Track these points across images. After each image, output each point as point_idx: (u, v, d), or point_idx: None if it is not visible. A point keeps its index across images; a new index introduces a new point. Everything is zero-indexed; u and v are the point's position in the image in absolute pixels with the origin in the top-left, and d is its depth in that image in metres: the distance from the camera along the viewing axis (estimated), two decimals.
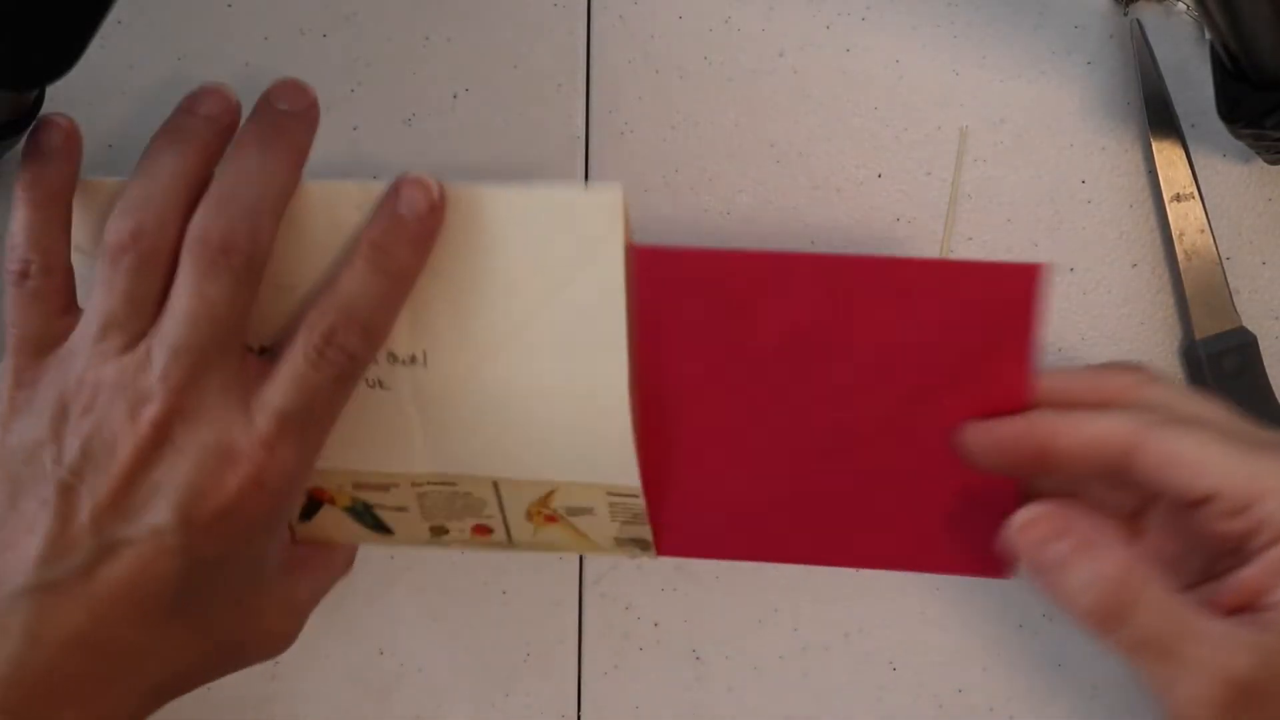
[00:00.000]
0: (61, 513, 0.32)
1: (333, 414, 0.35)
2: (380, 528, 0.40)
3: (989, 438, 0.36)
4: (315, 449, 0.35)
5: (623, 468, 0.38)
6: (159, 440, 0.32)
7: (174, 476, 0.32)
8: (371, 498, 0.40)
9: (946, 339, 0.37)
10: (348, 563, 0.41)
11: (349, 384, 0.35)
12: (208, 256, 0.33)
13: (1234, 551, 0.32)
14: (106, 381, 0.33)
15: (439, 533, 0.41)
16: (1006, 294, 0.36)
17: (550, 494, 0.39)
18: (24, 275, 0.34)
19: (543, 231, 0.35)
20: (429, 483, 0.39)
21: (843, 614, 0.45)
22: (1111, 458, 0.33)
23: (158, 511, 0.32)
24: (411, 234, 0.34)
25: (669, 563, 0.44)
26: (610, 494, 0.39)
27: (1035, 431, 0.34)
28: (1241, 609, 0.31)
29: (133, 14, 0.43)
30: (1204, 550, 0.33)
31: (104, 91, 0.43)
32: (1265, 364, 0.43)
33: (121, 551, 0.32)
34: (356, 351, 0.34)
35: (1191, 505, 0.32)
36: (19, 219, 0.35)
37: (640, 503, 0.39)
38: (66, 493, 0.32)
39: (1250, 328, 0.43)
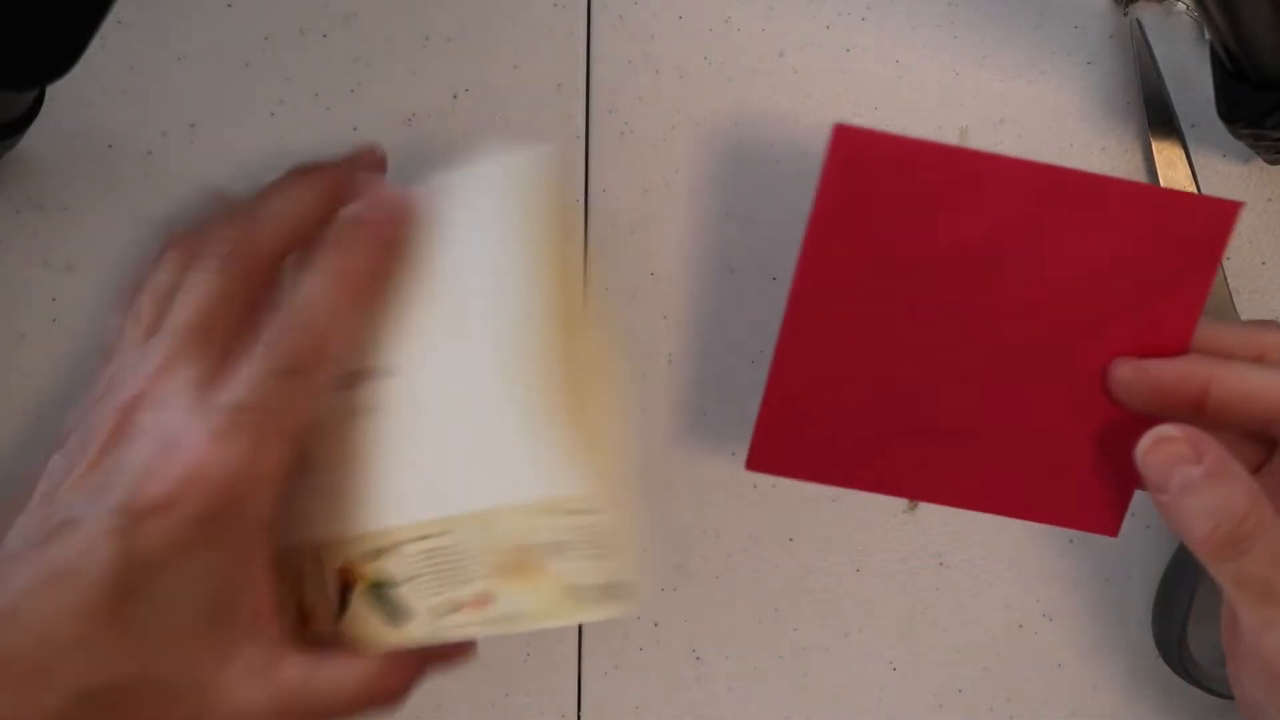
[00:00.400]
0: (45, 491, 0.33)
1: (292, 418, 0.33)
2: (399, 613, 0.34)
3: (1150, 376, 0.35)
4: (273, 456, 0.33)
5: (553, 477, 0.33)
6: (125, 425, 0.32)
7: (130, 460, 0.32)
8: (386, 568, 0.34)
9: (1132, 265, 0.36)
10: (393, 687, 0.34)
11: (305, 386, 0.34)
12: (210, 251, 0.35)
13: None
14: (120, 369, 0.34)
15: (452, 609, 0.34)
16: (1199, 228, 0.35)
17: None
18: None
19: (470, 212, 0.35)
20: (433, 534, 0.34)
21: (843, 614, 0.45)
22: (1268, 413, 0.33)
23: (110, 494, 0.32)
24: (368, 235, 0.34)
25: (669, 562, 0.44)
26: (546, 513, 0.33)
27: (1197, 376, 0.34)
28: None
29: (133, 14, 0.43)
30: None
31: (104, 91, 0.43)
32: None
33: (71, 531, 0.31)
34: (303, 349, 0.33)
35: None
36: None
37: (598, 521, 0.33)
38: (55, 472, 0.33)
39: None
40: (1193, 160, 0.43)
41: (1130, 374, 0.35)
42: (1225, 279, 0.43)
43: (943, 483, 0.39)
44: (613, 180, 0.44)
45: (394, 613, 0.34)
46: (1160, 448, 0.33)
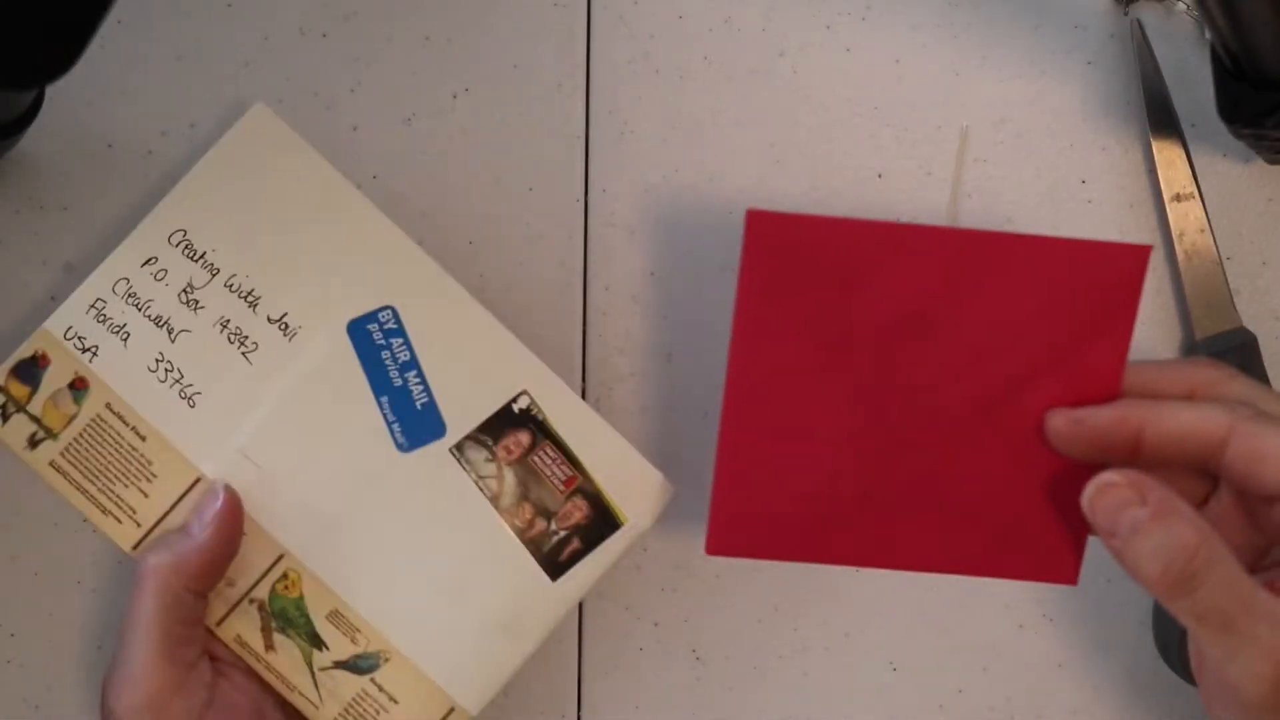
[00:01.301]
0: None
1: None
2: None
3: (1085, 426, 0.36)
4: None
5: None
6: None
7: None
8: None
9: (1054, 317, 0.36)
10: None
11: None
12: None
13: None
14: None
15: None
16: (1114, 274, 0.36)
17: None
18: None
19: None
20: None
21: (843, 614, 0.45)
22: (1203, 449, 0.34)
23: None
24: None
25: (669, 562, 0.44)
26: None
27: (1130, 420, 0.35)
28: None
29: (133, 14, 0.43)
30: (1272, 539, 0.34)
31: (104, 91, 0.43)
32: (1265, 364, 0.43)
33: None
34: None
35: (1271, 499, 0.33)
36: None
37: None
38: None
39: (1250, 328, 0.43)
40: (1193, 160, 0.43)
41: (1065, 425, 0.36)
42: (1225, 279, 0.43)
43: (902, 549, 0.39)
44: (613, 180, 0.44)
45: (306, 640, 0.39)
46: (1105, 494, 0.34)
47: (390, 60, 0.44)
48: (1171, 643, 0.43)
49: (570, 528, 0.38)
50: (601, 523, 0.39)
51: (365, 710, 0.39)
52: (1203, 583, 0.32)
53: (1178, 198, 0.43)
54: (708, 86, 0.44)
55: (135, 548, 0.39)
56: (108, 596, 0.43)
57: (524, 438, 0.38)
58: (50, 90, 0.38)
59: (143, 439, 0.37)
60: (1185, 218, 0.43)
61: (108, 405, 0.37)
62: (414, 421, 0.38)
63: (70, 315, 0.37)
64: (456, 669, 0.39)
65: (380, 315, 0.37)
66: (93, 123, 0.43)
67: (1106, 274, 0.36)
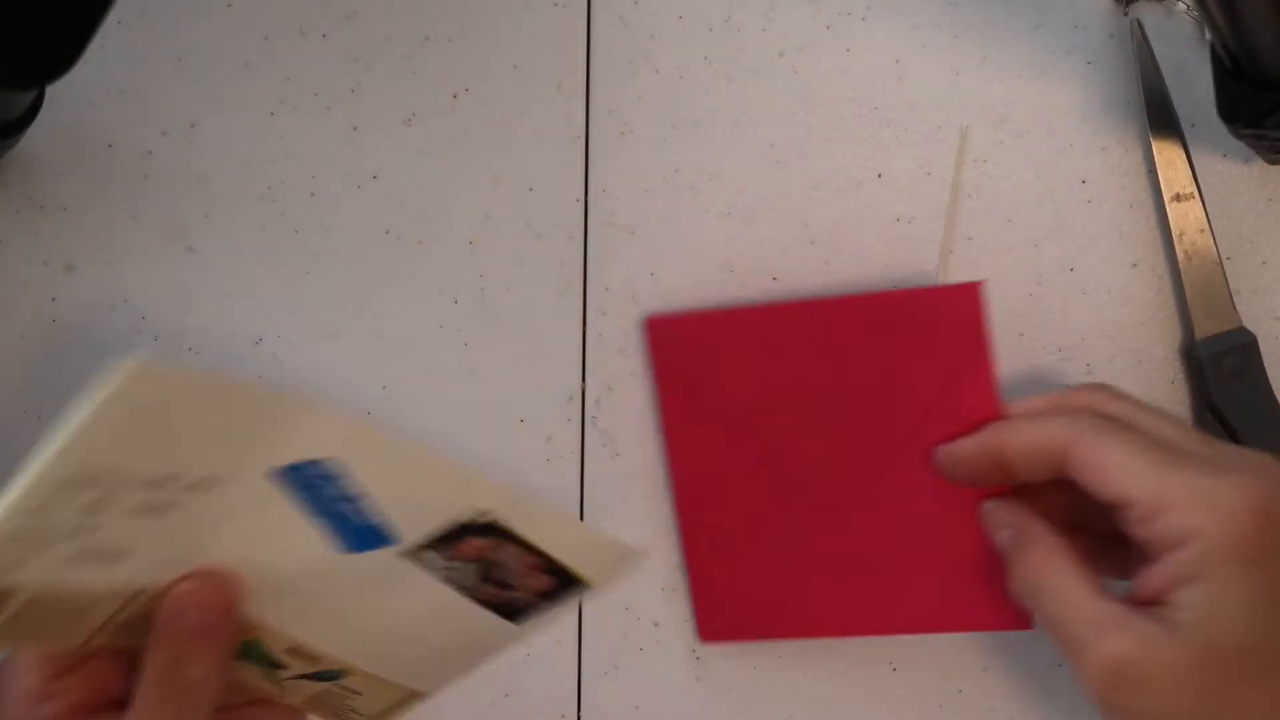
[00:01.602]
0: None
1: None
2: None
3: (956, 454, 0.39)
4: None
5: None
6: None
7: None
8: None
9: (920, 366, 0.39)
10: None
11: None
12: None
13: (1146, 552, 0.34)
14: None
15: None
16: (955, 314, 0.38)
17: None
18: None
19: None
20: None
21: None
22: (1051, 461, 0.36)
23: None
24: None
25: (669, 562, 0.44)
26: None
27: (989, 441, 0.38)
28: (1151, 603, 0.34)
29: (133, 14, 0.43)
30: (1132, 546, 0.35)
31: (104, 91, 0.43)
32: (1265, 364, 0.43)
33: None
34: None
35: (1112, 507, 0.34)
36: None
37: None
38: None
39: (1250, 328, 0.43)
40: (1193, 160, 0.43)
41: (943, 458, 0.39)
42: (1225, 280, 0.43)
43: (863, 614, 0.41)
44: (613, 180, 0.44)
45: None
46: (986, 521, 0.39)
47: (390, 60, 0.44)
48: None
49: (534, 594, 0.37)
50: (566, 588, 0.37)
51: (331, 699, 0.38)
52: (1043, 597, 0.35)
53: (1178, 198, 0.43)
54: (708, 86, 0.44)
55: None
56: None
57: (482, 543, 0.35)
58: (50, 90, 0.38)
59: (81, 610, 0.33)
60: (1185, 218, 0.43)
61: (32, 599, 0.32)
62: (357, 535, 0.34)
63: None
64: (415, 675, 0.38)
65: (316, 464, 0.32)
66: (93, 123, 0.43)
67: (952, 315, 0.39)
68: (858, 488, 0.40)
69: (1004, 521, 0.38)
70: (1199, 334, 0.43)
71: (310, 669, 0.37)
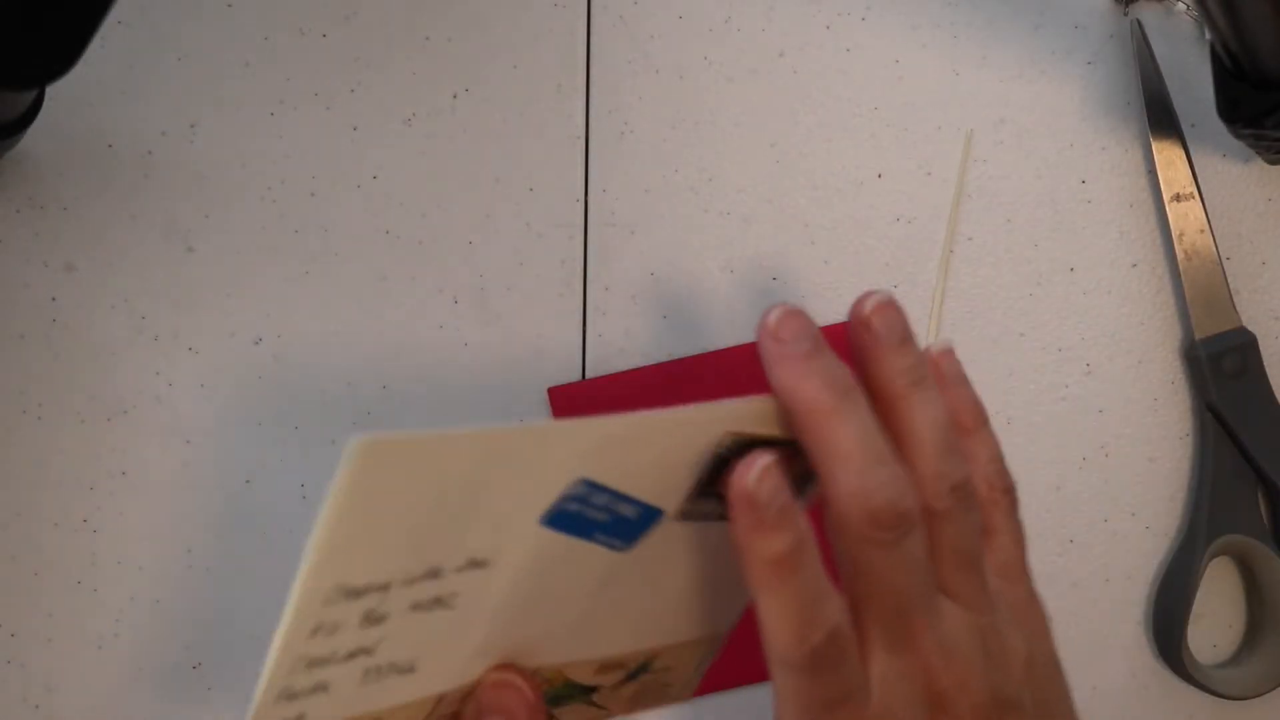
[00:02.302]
0: None
1: None
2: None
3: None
4: None
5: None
6: None
7: None
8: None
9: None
10: None
11: None
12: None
13: None
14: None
15: None
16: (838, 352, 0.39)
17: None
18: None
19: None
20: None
21: None
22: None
23: None
24: None
25: None
26: None
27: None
28: None
29: (133, 14, 0.43)
30: None
31: (104, 91, 0.43)
32: (1265, 364, 0.43)
33: None
34: None
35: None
36: None
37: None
38: None
39: (1250, 328, 0.43)
40: (1193, 160, 0.43)
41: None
42: (1225, 280, 0.43)
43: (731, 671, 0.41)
44: (613, 180, 0.44)
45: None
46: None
47: (390, 60, 0.44)
48: (1172, 643, 0.43)
49: (797, 481, 0.33)
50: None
51: (649, 689, 0.36)
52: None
53: (1177, 198, 0.43)
54: (708, 86, 0.44)
55: None
56: (108, 596, 0.43)
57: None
58: (50, 90, 0.38)
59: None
60: (1185, 218, 0.43)
61: None
62: (628, 526, 0.32)
63: (265, 715, 0.30)
64: (713, 619, 0.35)
65: (575, 487, 0.31)
66: (93, 123, 0.43)
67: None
68: None
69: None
70: (1199, 334, 0.43)
71: (622, 675, 0.36)
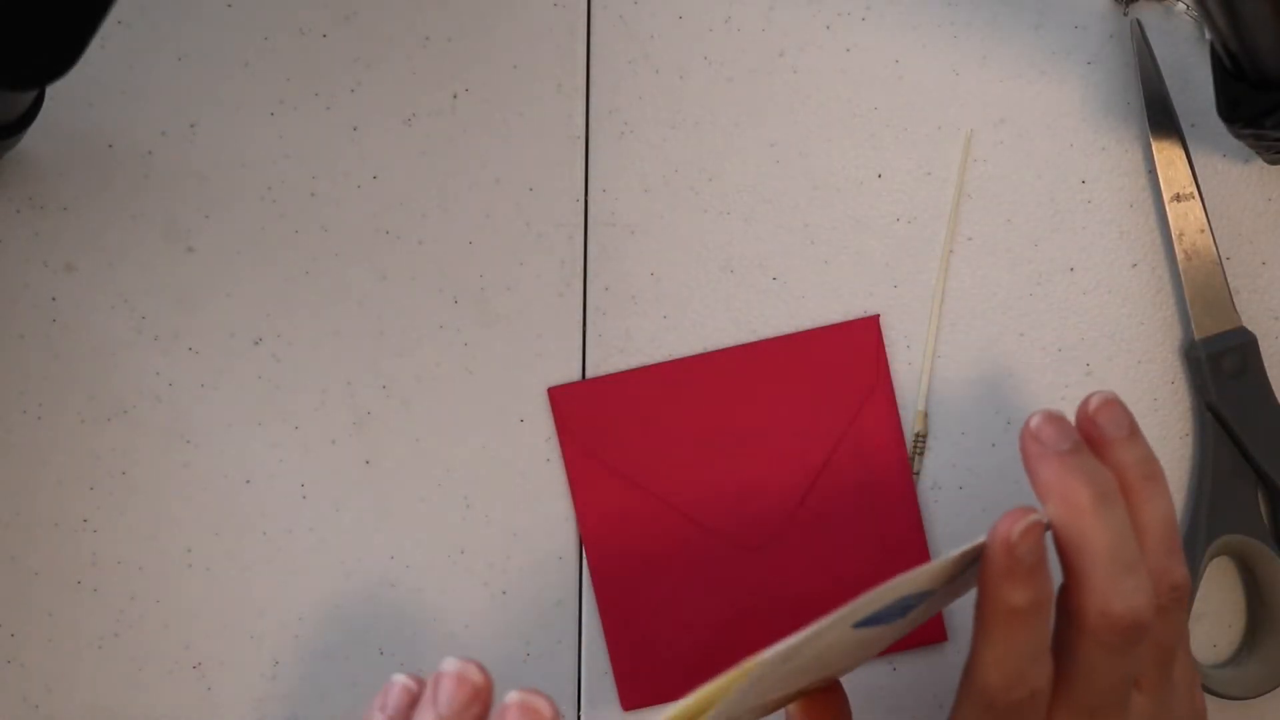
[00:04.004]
0: None
1: None
2: None
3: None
4: None
5: None
6: None
7: None
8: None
9: (819, 404, 0.41)
10: None
11: None
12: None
13: None
14: None
15: None
16: (857, 346, 0.41)
17: None
18: None
19: None
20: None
21: None
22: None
23: None
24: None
25: None
26: None
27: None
28: None
29: (133, 14, 0.43)
30: None
31: (104, 91, 0.43)
32: (1265, 364, 0.43)
33: None
34: None
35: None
36: None
37: None
38: None
39: (1250, 328, 0.43)
40: (1193, 160, 0.43)
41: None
42: (1226, 280, 0.43)
43: None
44: (613, 180, 0.44)
45: None
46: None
47: (390, 60, 0.44)
48: None
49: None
50: None
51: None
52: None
53: (1177, 198, 0.43)
54: (708, 86, 0.44)
55: None
56: (108, 596, 0.43)
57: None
58: (50, 90, 0.38)
59: None
60: (1185, 218, 0.43)
61: None
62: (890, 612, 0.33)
63: None
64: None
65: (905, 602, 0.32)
66: (93, 123, 0.43)
67: (852, 347, 0.42)
68: (773, 528, 0.42)
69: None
70: (1199, 334, 0.43)
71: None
